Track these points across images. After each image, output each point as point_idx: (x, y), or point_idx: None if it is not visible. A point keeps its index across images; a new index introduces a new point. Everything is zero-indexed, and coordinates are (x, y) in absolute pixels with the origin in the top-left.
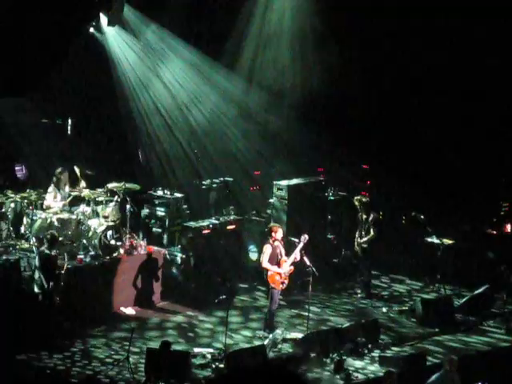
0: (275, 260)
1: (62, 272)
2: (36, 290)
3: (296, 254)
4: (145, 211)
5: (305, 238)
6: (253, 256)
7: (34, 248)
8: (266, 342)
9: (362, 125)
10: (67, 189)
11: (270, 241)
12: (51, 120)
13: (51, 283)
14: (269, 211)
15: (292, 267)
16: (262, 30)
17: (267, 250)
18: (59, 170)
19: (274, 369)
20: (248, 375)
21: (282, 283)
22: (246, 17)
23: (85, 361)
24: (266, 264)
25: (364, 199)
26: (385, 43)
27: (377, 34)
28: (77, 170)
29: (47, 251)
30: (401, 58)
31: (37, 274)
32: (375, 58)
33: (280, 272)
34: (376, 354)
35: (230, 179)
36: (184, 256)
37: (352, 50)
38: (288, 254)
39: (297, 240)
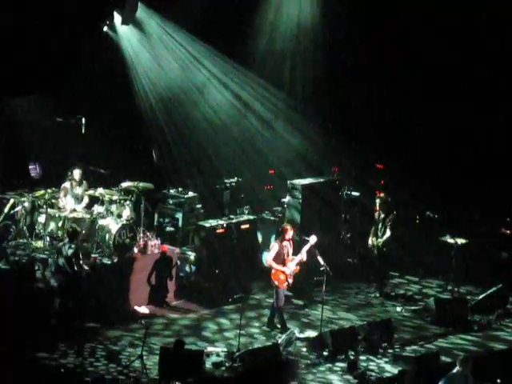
0: (281, 259)
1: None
2: (53, 283)
3: (302, 255)
4: (159, 210)
5: (313, 238)
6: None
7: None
8: (280, 341)
9: (377, 124)
10: (80, 189)
11: (278, 240)
12: (65, 119)
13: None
14: (283, 210)
15: (297, 267)
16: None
17: (274, 248)
18: (72, 168)
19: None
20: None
21: (286, 282)
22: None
23: (99, 359)
24: (270, 261)
25: (387, 198)
26: (401, 40)
27: (392, 31)
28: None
29: (73, 246)
30: (416, 56)
31: (61, 261)
32: (390, 57)
33: (284, 271)
34: (390, 353)
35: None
36: (198, 255)
37: (366, 51)
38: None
39: (308, 239)
